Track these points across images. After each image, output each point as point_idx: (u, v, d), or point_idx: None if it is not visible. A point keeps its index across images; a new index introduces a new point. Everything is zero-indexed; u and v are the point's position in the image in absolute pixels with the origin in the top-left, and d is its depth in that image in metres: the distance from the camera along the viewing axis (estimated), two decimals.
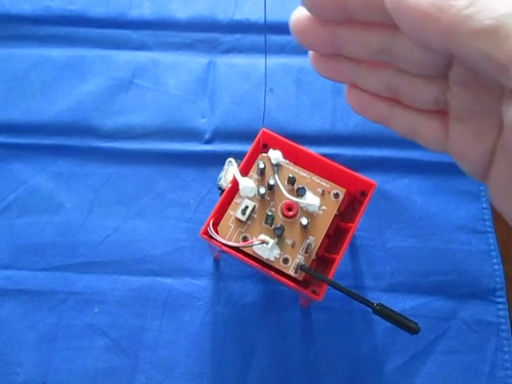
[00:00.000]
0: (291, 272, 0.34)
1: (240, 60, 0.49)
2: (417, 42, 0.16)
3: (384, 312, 0.32)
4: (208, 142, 0.46)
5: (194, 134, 0.46)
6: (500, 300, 0.40)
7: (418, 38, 0.16)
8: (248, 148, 0.37)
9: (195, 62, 0.49)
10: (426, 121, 0.20)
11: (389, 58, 0.18)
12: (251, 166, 0.37)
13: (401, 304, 0.40)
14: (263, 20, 0.50)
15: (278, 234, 0.34)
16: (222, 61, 0.49)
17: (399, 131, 0.21)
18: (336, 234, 0.36)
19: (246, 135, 0.44)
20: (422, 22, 0.15)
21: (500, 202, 0.18)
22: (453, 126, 0.19)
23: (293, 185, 0.36)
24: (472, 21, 0.14)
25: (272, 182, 0.35)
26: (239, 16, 0.50)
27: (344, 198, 0.36)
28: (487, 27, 0.14)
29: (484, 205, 0.43)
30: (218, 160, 0.39)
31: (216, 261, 0.42)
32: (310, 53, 0.20)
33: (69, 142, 0.45)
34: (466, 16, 0.14)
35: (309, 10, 0.18)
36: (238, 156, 0.37)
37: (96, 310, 0.40)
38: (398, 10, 0.16)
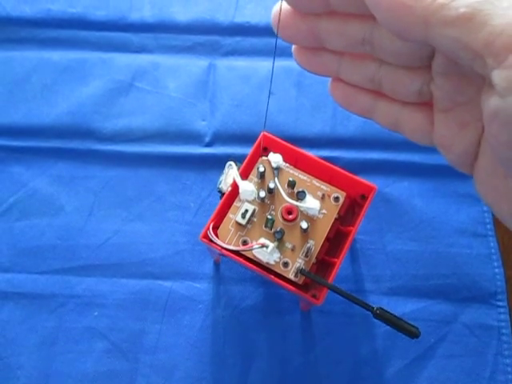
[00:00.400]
0: (291, 276, 0.34)
1: (240, 63, 0.49)
2: (394, 32, 0.16)
3: (384, 316, 0.31)
4: (208, 144, 0.46)
5: (194, 137, 0.46)
6: (501, 304, 0.40)
7: (394, 29, 0.16)
8: (248, 151, 0.37)
9: (195, 64, 0.49)
10: (410, 113, 0.20)
11: (370, 49, 0.18)
12: (251, 170, 0.37)
13: (401, 308, 0.40)
14: (263, 23, 0.49)
15: (278, 238, 0.34)
16: (223, 63, 0.49)
17: (383, 124, 0.21)
18: (336, 238, 0.36)
19: (246, 138, 0.44)
20: (396, 11, 0.15)
21: (485, 193, 0.18)
22: (437, 118, 0.19)
23: (293, 188, 0.36)
24: (447, 9, 0.14)
25: (272, 185, 0.35)
26: (239, 19, 0.50)
27: (344, 202, 0.36)
28: (462, 15, 0.14)
29: (485, 208, 0.43)
30: (219, 163, 0.39)
31: (216, 264, 0.42)
32: (293, 47, 0.20)
33: (69, 144, 0.45)
34: (441, 4, 0.14)
35: (289, 3, 0.18)
36: (239, 159, 0.37)
37: (96, 313, 0.40)
38: (373, 0, 0.15)
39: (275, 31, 0.19)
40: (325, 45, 0.19)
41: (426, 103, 0.19)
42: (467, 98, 0.17)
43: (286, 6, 0.19)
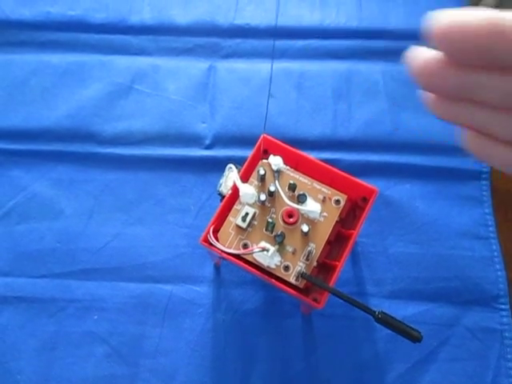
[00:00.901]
0: (292, 280, 0.33)
1: (240, 65, 0.49)
2: None
3: (386, 320, 0.31)
4: (208, 147, 0.45)
5: (194, 140, 0.46)
6: (503, 307, 0.40)
7: None
8: (248, 153, 0.37)
9: (195, 66, 0.49)
10: None
11: None
12: (252, 172, 0.37)
13: (403, 311, 0.40)
14: (263, 25, 0.49)
15: (279, 241, 0.34)
16: (223, 66, 0.49)
17: None
18: (337, 241, 0.36)
19: (246, 140, 0.44)
20: None
21: None
22: None
23: (293, 191, 0.36)
24: None
25: (272, 188, 0.35)
26: (239, 21, 0.50)
27: (345, 205, 0.36)
28: None
29: (486, 210, 0.43)
30: (219, 165, 0.39)
31: (216, 267, 0.42)
32: (427, 94, 0.18)
33: (69, 148, 0.45)
34: None
35: (450, 53, 0.16)
36: (239, 161, 0.37)
37: (96, 317, 0.40)
38: None
39: (415, 79, 0.17)
40: (473, 97, 0.17)
41: None
42: None
43: (429, 52, 0.17)
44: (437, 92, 0.18)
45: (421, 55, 0.17)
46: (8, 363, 0.39)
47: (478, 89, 0.17)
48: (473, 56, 0.16)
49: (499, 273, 0.41)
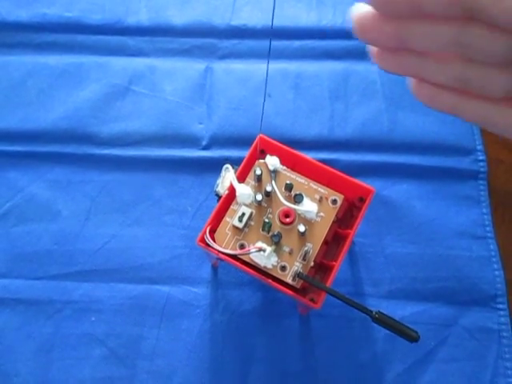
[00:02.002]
0: (289, 280, 0.33)
1: (237, 65, 0.49)
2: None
3: (383, 320, 0.31)
4: (205, 148, 0.45)
5: (191, 140, 0.46)
6: (501, 306, 0.40)
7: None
8: (245, 154, 0.37)
9: (192, 67, 0.49)
10: (500, 110, 0.19)
11: (459, 49, 0.17)
12: (248, 173, 0.37)
13: (400, 311, 0.40)
14: (260, 25, 0.49)
15: (276, 241, 0.34)
16: (220, 66, 0.49)
17: (471, 120, 0.20)
18: (334, 241, 0.36)
19: (243, 141, 0.44)
20: None
21: None
22: None
23: (290, 191, 0.36)
24: None
25: (269, 188, 0.35)
26: (236, 21, 0.50)
27: (342, 205, 0.36)
28: None
29: (484, 210, 0.43)
30: (216, 166, 0.39)
31: (214, 268, 0.42)
32: (371, 48, 0.20)
33: (66, 149, 0.45)
34: None
35: (377, 7, 0.17)
36: (236, 162, 0.37)
37: (93, 318, 0.40)
38: (494, 11, 0.15)
39: (356, 35, 0.19)
40: (409, 46, 0.18)
41: None
42: None
43: (366, 7, 0.18)
44: (377, 44, 0.19)
45: (358, 11, 0.18)
46: (5, 365, 0.39)
47: (412, 38, 0.18)
48: (400, 7, 0.17)
49: (497, 272, 0.41)
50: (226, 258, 0.34)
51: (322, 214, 0.35)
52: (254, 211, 0.35)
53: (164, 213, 0.43)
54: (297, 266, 0.34)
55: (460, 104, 0.20)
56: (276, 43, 0.49)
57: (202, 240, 0.34)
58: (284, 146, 0.37)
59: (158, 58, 0.49)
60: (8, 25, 0.50)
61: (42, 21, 0.50)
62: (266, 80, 0.28)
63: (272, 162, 0.36)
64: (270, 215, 0.35)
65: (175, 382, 0.38)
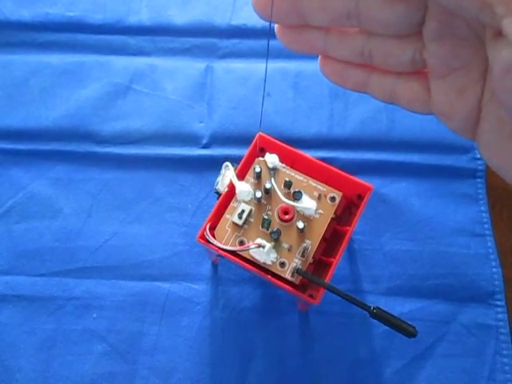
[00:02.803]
0: (288, 276, 0.34)
1: (237, 65, 0.49)
2: None
3: (381, 315, 0.31)
4: (206, 146, 0.46)
5: (191, 139, 0.46)
6: (499, 303, 0.40)
7: None
8: (245, 152, 0.38)
9: (193, 67, 0.49)
10: (405, 83, 0.19)
11: (356, 22, 0.18)
12: (248, 170, 0.37)
13: (399, 308, 0.40)
14: (260, 25, 0.50)
15: (275, 238, 0.34)
16: (220, 66, 0.49)
17: (379, 97, 0.20)
18: (333, 238, 0.36)
19: (243, 140, 0.44)
20: None
21: (490, 156, 0.18)
22: (434, 85, 0.18)
23: (289, 188, 0.36)
24: None
25: (268, 185, 0.35)
26: (236, 21, 0.50)
27: (340, 202, 0.36)
28: None
29: (482, 208, 0.43)
30: (216, 164, 0.39)
31: (214, 265, 0.42)
32: (276, 26, 0.20)
33: (67, 147, 0.46)
34: None
35: None
36: (236, 160, 0.38)
37: (94, 315, 0.40)
38: None
39: (258, 14, 0.19)
40: (308, 22, 0.19)
41: (420, 72, 0.19)
42: (463, 62, 0.17)
43: None
44: (279, 22, 0.20)
45: None
46: (7, 361, 0.39)
47: (308, 12, 0.18)
48: None
49: (494, 270, 0.41)
50: (226, 254, 0.34)
51: (320, 211, 0.36)
52: (253, 208, 0.36)
53: (165, 210, 0.44)
54: (296, 262, 0.34)
55: (367, 80, 0.20)
56: (275, 43, 0.49)
57: (202, 237, 0.35)
58: (283, 144, 0.38)
59: (158, 57, 0.49)
60: (11, 24, 0.50)
61: (44, 20, 0.50)
62: (265, 79, 0.29)
63: (271, 159, 0.36)
64: (269, 212, 0.36)
65: (176, 378, 0.39)
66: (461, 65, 0.17)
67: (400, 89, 0.19)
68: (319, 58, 0.20)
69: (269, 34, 0.22)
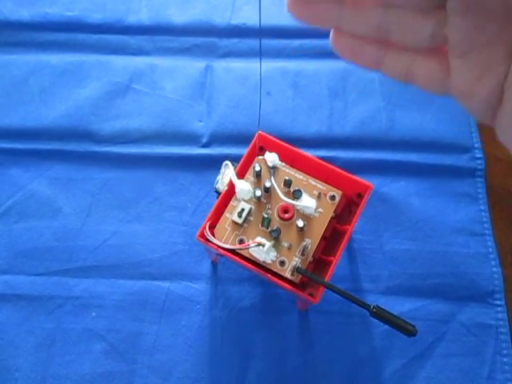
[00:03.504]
0: (288, 274, 0.34)
1: (237, 64, 0.49)
2: None
3: (381, 314, 0.31)
4: (205, 145, 0.46)
5: (191, 138, 0.46)
6: (498, 303, 0.40)
7: None
8: (245, 151, 0.38)
9: (192, 66, 0.49)
10: (422, 61, 0.18)
11: None
12: (248, 169, 0.37)
13: (399, 307, 0.40)
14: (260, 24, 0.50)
15: (275, 237, 0.34)
16: (220, 65, 0.49)
17: (394, 75, 0.19)
18: (333, 237, 0.36)
19: (243, 139, 0.44)
20: None
21: (510, 141, 0.17)
22: (454, 64, 0.17)
23: (289, 187, 0.36)
24: None
25: (268, 184, 0.35)
26: (236, 21, 0.50)
27: (340, 201, 0.36)
28: None
29: (482, 207, 0.43)
30: (216, 163, 0.39)
31: (213, 264, 0.42)
32: None
33: (67, 146, 0.46)
34: None
35: None
36: (235, 159, 0.38)
37: (94, 314, 0.40)
38: None
39: None
40: None
41: (439, 50, 0.18)
42: (488, 37, 0.16)
43: None
44: None
45: None
46: (6, 360, 0.39)
47: None
48: None
49: (494, 269, 0.41)
50: (226, 253, 0.34)
51: (320, 209, 0.36)
52: (253, 207, 0.36)
53: (164, 209, 0.44)
54: (296, 260, 0.34)
55: (382, 57, 0.19)
56: (275, 42, 0.49)
57: (202, 235, 0.35)
58: (283, 143, 0.38)
59: (158, 56, 0.50)
60: (10, 24, 0.50)
61: (43, 20, 0.50)
62: (260, 77, 0.29)
63: (271, 158, 0.36)
64: (269, 211, 0.36)
65: (175, 377, 0.39)
66: (485, 40, 0.16)
67: (416, 67, 0.18)
68: (331, 32, 0.19)
69: (260, 34, 0.22)
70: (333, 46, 0.19)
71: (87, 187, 0.45)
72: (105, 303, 0.41)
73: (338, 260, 0.34)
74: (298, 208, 0.35)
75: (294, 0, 0.18)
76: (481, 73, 0.17)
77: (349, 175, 0.36)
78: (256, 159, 0.37)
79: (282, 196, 0.35)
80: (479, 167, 0.45)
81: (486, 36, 0.16)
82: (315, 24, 0.19)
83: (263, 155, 0.37)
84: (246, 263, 0.34)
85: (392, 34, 0.18)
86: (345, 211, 0.37)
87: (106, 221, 0.43)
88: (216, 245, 0.34)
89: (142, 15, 0.51)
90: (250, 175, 0.37)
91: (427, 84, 0.19)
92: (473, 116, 0.18)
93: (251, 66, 0.49)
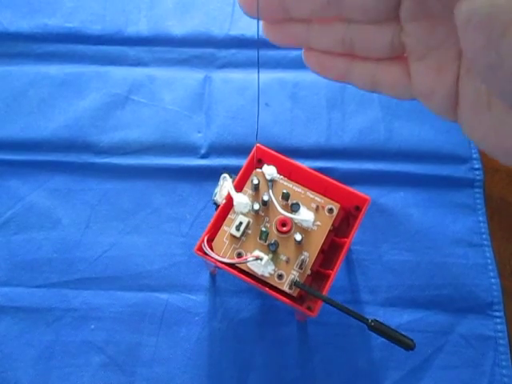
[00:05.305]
0: (286, 288, 0.34)
1: (236, 75, 0.49)
2: None
3: (379, 328, 0.31)
4: (204, 156, 0.46)
5: (190, 149, 0.46)
6: (497, 314, 0.40)
7: None
8: (244, 162, 0.38)
9: (191, 77, 0.49)
10: (385, 68, 0.20)
11: (336, 10, 0.19)
12: (245, 182, 0.37)
13: (397, 318, 0.40)
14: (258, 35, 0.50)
15: (273, 250, 0.34)
16: (218, 76, 0.49)
17: (362, 85, 0.21)
18: (331, 250, 0.36)
19: (241, 150, 0.45)
20: None
21: (472, 131, 0.19)
22: (414, 68, 0.19)
23: (287, 200, 0.36)
24: None
25: (266, 197, 0.35)
26: (234, 31, 0.50)
27: (338, 213, 0.36)
28: None
29: (480, 218, 0.43)
30: (214, 174, 0.39)
31: (212, 276, 0.42)
32: (262, 23, 0.21)
33: (66, 158, 0.46)
34: None
35: None
36: (234, 170, 0.38)
37: (92, 326, 0.40)
38: None
39: (244, 11, 0.20)
40: (291, 15, 0.20)
41: (400, 57, 0.20)
42: (440, 40, 0.18)
43: None
44: (264, 17, 0.20)
45: None
46: (5, 373, 0.39)
47: (291, 4, 0.19)
48: None
49: (493, 280, 0.41)
50: (224, 266, 0.34)
51: (318, 222, 0.36)
52: (251, 220, 0.36)
53: (163, 221, 0.44)
54: (294, 274, 0.34)
55: (349, 69, 0.21)
56: (273, 52, 0.49)
57: (200, 249, 0.35)
58: (281, 156, 0.38)
59: (157, 67, 0.50)
60: (9, 35, 0.50)
61: (42, 31, 0.50)
62: (258, 89, 0.29)
63: (269, 171, 0.36)
64: (267, 224, 0.36)
65: None
66: (438, 42, 0.18)
67: (381, 75, 0.20)
68: (303, 50, 0.21)
69: (258, 43, 0.22)
70: (305, 61, 0.22)
71: (86, 198, 0.45)
72: (104, 315, 0.41)
73: (336, 273, 0.34)
74: (296, 221, 0.35)
75: (268, 26, 0.21)
76: (437, 73, 0.18)
77: (347, 188, 0.36)
78: (254, 172, 0.37)
79: (279, 209, 0.35)
80: (478, 178, 0.45)
81: (436, 39, 0.18)
82: (288, 44, 0.21)
83: (261, 168, 0.37)
84: (244, 277, 0.34)
85: (356, 46, 0.20)
86: (343, 224, 0.37)
87: (105, 232, 0.43)
88: (214, 259, 0.34)
89: (141, 26, 0.51)
90: (248, 188, 0.37)
91: (392, 90, 0.20)
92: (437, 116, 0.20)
93: (250, 76, 0.49)
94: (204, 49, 0.50)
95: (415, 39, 0.18)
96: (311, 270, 0.34)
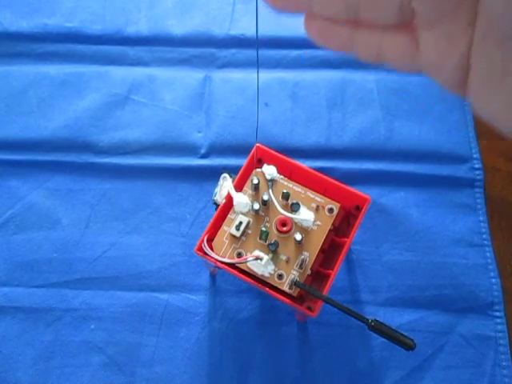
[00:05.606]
0: (286, 288, 0.34)
1: (236, 75, 0.49)
2: None
3: (379, 328, 0.31)
4: (204, 156, 0.46)
5: (190, 149, 0.46)
6: (498, 314, 0.40)
7: None
8: (244, 162, 0.38)
9: (191, 77, 0.49)
10: (392, 38, 0.19)
11: None
12: (245, 182, 0.37)
13: (398, 318, 0.40)
14: (258, 35, 0.50)
15: (273, 250, 0.34)
16: (218, 76, 0.49)
17: (366, 56, 0.20)
18: (331, 249, 0.36)
19: (241, 149, 0.44)
20: None
21: (483, 105, 0.18)
22: (423, 37, 0.18)
23: (287, 200, 0.36)
24: None
25: (266, 197, 0.35)
26: (235, 31, 0.50)
27: (338, 213, 0.36)
28: None
29: (481, 218, 0.43)
30: (214, 174, 0.39)
31: (212, 276, 0.42)
32: None
33: (66, 158, 0.46)
34: None
35: None
36: (234, 170, 0.38)
37: (92, 326, 0.40)
38: None
39: None
40: None
41: (408, 26, 0.18)
42: (453, 5, 0.17)
43: None
44: None
45: None
46: (5, 373, 0.39)
47: None
48: None
49: (493, 280, 0.41)
50: (224, 266, 0.34)
51: (318, 222, 0.36)
52: (251, 220, 0.36)
53: (163, 221, 0.44)
54: (294, 274, 0.34)
55: (353, 38, 0.19)
56: (274, 52, 0.49)
57: (200, 249, 0.35)
58: (281, 155, 0.38)
59: (157, 67, 0.50)
60: (9, 35, 0.50)
61: (42, 31, 0.50)
62: (258, 89, 0.29)
63: (269, 171, 0.36)
64: (267, 224, 0.36)
65: None
66: (451, 7, 0.17)
67: (387, 45, 0.19)
68: (304, 17, 0.20)
69: (258, 43, 0.22)
70: (306, 30, 0.20)
71: (86, 198, 0.45)
72: (103, 315, 0.41)
73: (336, 273, 0.34)
74: (296, 221, 0.35)
75: None
76: (448, 43, 0.17)
77: (347, 188, 0.36)
78: (254, 172, 0.37)
79: (280, 209, 0.35)
80: (478, 177, 0.45)
81: (449, 4, 0.17)
82: (290, 10, 0.20)
83: (261, 168, 0.37)
84: (244, 276, 0.34)
85: (361, 12, 0.18)
86: (343, 223, 0.37)
87: (105, 232, 0.43)
88: (214, 259, 0.34)
89: (141, 26, 0.51)
90: (248, 188, 0.37)
91: (398, 61, 0.19)
92: (469, 111, 0.19)
93: (250, 76, 0.49)
94: (204, 49, 0.50)
95: (426, 3, 0.17)
96: (311, 269, 0.34)
